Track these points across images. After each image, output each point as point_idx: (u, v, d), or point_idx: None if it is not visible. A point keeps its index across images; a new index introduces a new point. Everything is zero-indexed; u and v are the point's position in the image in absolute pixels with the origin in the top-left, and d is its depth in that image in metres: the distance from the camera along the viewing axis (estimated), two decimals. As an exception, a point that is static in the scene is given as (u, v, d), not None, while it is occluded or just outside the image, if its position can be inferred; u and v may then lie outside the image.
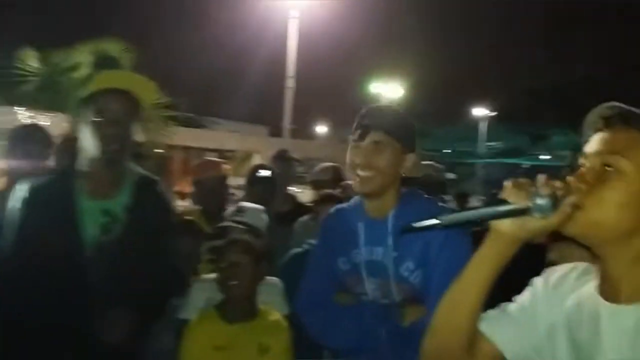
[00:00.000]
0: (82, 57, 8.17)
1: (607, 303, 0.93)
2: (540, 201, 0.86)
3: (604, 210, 0.89)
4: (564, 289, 1.00)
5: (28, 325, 1.65)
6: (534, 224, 0.88)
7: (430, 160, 4.21)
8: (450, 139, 25.80)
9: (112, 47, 8.54)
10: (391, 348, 1.57)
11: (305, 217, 3.04)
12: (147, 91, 1.89)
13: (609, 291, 0.93)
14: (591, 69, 25.37)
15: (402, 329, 1.56)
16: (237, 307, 1.95)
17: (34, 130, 2.86)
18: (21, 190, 1.79)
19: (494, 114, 27.06)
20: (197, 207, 2.90)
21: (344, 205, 1.77)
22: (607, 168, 0.91)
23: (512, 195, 0.88)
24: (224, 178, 3.00)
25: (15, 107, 7.66)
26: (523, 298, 1.06)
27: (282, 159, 3.67)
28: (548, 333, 0.99)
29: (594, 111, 0.98)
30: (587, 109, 1.01)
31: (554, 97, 22.47)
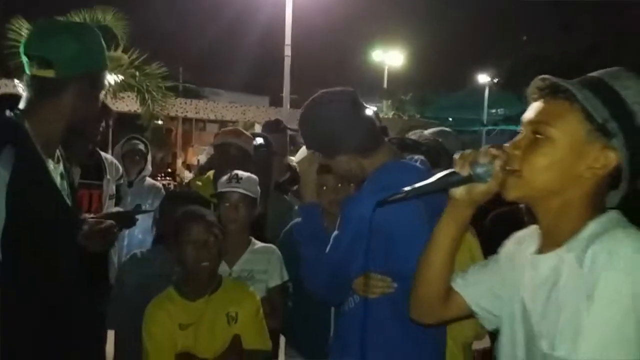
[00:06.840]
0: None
1: (529, 255, 1.06)
2: (479, 169, 1.01)
3: (535, 174, 1.00)
4: (522, 248, 1.11)
5: None
6: (478, 189, 1.03)
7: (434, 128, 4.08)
8: (453, 106, 25.49)
9: (107, 17, 8.36)
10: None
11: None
12: None
13: (543, 244, 1.05)
14: (598, 37, 24.82)
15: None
16: (200, 284, 1.87)
17: None
18: None
19: (496, 80, 26.66)
20: (210, 172, 2.82)
21: None
22: (537, 136, 1.00)
23: (458, 165, 1.03)
24: (246, 149, 2.87)
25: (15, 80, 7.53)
26: (493, 258, 1.20)
27: (275, 129, 3.55)
28: (510, 291, 1.10)
29: (532, 83, 1.06)
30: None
31: (559, 64, 22.09)
